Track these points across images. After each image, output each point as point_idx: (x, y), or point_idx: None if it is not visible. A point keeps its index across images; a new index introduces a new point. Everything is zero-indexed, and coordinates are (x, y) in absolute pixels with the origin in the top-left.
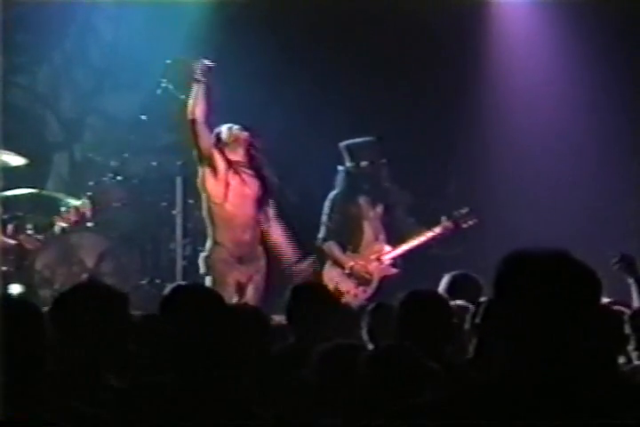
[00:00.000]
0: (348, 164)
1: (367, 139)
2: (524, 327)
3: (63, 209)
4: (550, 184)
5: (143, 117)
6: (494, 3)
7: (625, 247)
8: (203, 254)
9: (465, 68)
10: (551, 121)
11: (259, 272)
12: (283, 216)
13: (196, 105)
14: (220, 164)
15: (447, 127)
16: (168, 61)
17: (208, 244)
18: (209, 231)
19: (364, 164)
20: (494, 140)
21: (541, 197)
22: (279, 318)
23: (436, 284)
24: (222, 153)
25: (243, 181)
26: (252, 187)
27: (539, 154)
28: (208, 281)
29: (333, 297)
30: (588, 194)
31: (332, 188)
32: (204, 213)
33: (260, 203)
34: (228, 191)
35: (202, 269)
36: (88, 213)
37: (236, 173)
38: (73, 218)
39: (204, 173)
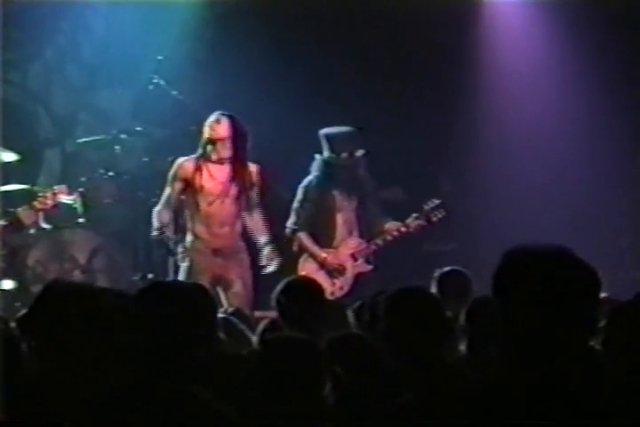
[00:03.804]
0: (327, 153)
1: (347, 129)
2: (523, 324)
3: (40, 194)
4: (543, 180)
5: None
6: (488, 2)
7: (617, 243)
8: (181, 245)
9: (459, 66)
10: (544, 119)
11: (241, 266)
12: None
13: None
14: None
15: (440, 124)
16: (160, 57)
17: (188, 237)
18: (188, 225)
19: (344, 155)
20: (488, 138)
21: (535, 194)
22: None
23: (428, 280)
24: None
25: (218, 174)
26: (228, 181)
27: (532, 152)
28: (182, 270)
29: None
30: (580, 191)
31: None
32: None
33: (240, 196)
34: (204, 187)
35: (178, 260)
36: (65, 198)
37: (214, 165)
38: (50, 202)
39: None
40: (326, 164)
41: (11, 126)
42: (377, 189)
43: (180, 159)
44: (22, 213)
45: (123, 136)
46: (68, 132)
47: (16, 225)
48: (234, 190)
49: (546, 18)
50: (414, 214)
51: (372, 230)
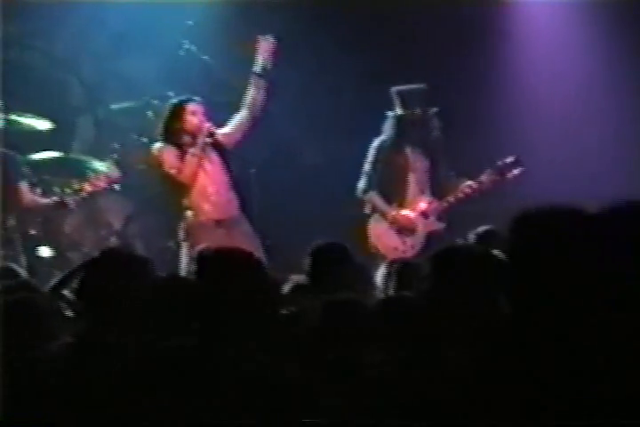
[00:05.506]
0: (400, 110)
1: (419, 86)
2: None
3: (92, 175)
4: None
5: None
6: (514, 2)
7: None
8: (183, 222)
9: (485, 69)
10: (572, 120)
11: (247, 235)
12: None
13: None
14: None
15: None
16: (190, 22)
17: (188, 213)
18: (184, 201)
19: (417, 111)
20: (513, 135)
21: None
22: (297, 278)
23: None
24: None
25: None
26: (215, 156)
27: (558, 153)
28: (185, 248)
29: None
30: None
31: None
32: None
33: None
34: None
35: (180, 237)
36: (116, 179)
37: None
38: (102, 184)
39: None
40: (398, 120)
41: (42, 95)
42: (447, 150)
43: (158, 146)
44: (68, 196)
45: (155, 102)
46: (100, 99)
47: (60, 207)
48: (218, 161)
49: (569, 18)
50: (488, 170)
51: (444, 192)
